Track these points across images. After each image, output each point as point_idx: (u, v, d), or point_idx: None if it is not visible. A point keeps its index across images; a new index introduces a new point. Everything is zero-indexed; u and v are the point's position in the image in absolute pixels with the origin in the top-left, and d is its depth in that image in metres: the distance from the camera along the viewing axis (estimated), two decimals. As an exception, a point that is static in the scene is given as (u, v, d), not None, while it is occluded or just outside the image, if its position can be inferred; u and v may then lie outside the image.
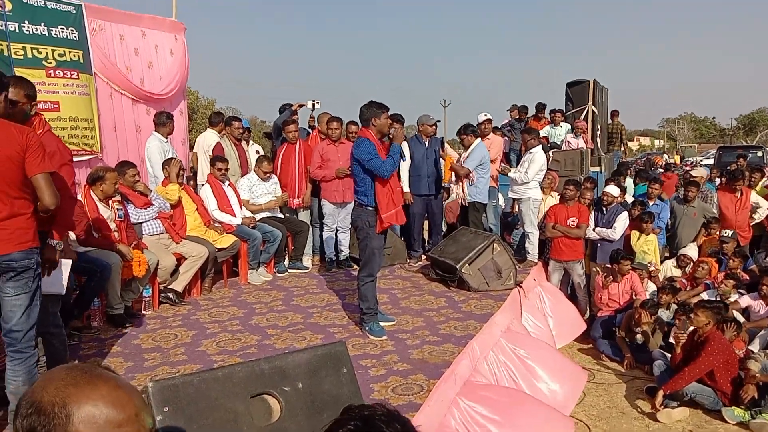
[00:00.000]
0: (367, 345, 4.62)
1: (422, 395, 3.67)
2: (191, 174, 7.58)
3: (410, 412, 3.44)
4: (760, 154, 20.96)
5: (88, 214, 5.00)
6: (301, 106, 7.92)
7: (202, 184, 7.01)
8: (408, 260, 7.52)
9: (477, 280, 6.19)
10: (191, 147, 8.73)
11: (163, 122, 6.68)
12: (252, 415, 2.42)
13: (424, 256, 7.49)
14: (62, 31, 6.65)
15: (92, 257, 4.83)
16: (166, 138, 6.74)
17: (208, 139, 7.50)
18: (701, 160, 31.87)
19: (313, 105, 7.99)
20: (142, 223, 5.65)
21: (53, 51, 6.54)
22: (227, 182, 6.78)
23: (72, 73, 6.69)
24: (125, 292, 5.18)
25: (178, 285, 5.79)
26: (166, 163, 6.18)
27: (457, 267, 6.13)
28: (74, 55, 6.77)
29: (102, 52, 7.17)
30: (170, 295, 5.72)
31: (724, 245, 7.41)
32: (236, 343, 4.72)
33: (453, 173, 7.28)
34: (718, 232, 7.75)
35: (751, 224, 8.17)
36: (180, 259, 5.79)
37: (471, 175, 7.25)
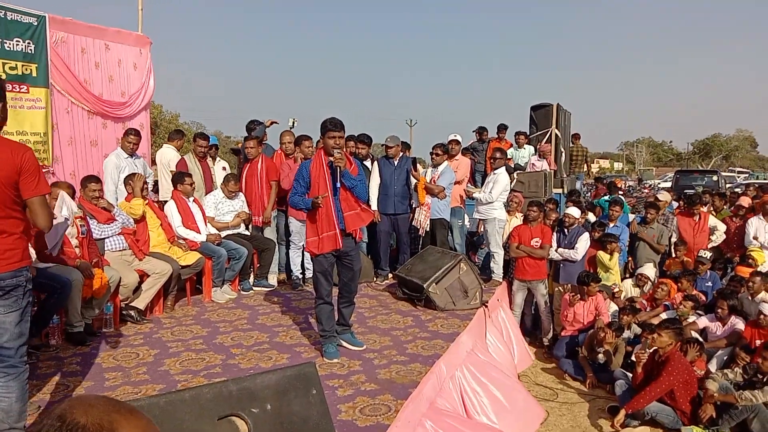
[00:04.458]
0: (334, 365, 4.58)
1: (390, 416, 3.65)
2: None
3: (378, 433, 3.42)
4: (715, 178, 21.65)
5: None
6: (273, 122, 7.90)
7: (165, 201, 6.91)
8: (375, 279, 7.52)
9: (443, 299, 6.22)
10: (152, 162, 8.62)
11: (125, 137, 6.71)
12: (219, 438, 2.38)
13: (390, 275, 7.50)
14: (17, 44, 6.58)
15: (52, 273, 4.70)
16: (128, 154, 6.68)
17: (167, 154, 7.42)
18: (659, 183, 32.79)
19: (293, 123, 7.98)
20: (104, 239, 5.54)
21: (4, 64, 6.48)
22: (192, 198, 6.70)
23: (21, 87, 6.63)
24: (85, 310, 5.05)
25: (140, 302, 5.67)
26: (130, 178, 6.08)
27: (424, 286, 6.16)
28: (26, 69, 6.69)
29: (63, 64, 7.07)
30: (132, 312, 5.60)
31: (701, 266, 7.61)
32: (200, 362, 4.63)
33: (426, 192, 7.34)
34: (683, 254, 7.98)
35: (709, 246, 8.40)
36: (143, 276, 5.68)
37: (443, 193, 7.36)
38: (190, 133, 9.08)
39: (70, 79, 7.20)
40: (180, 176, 6.67)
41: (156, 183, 7.57)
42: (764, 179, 25.66)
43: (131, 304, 5.62)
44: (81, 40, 7.48)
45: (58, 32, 7.08)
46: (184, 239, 6.40)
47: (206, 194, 7.16)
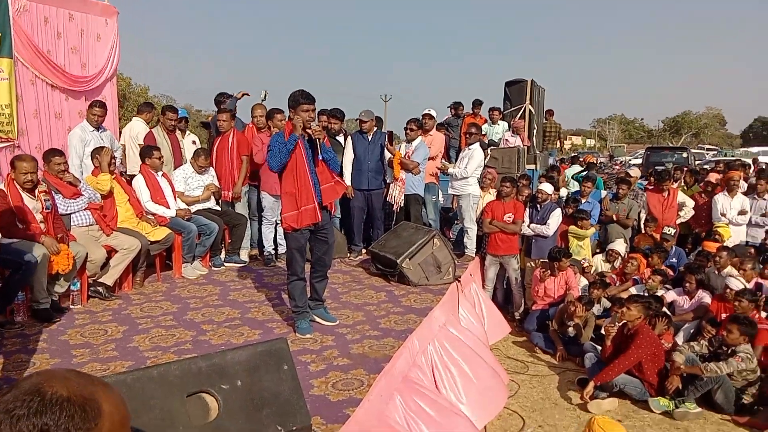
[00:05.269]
0: (307, 340, 4.56)
1: (362, 390, 3.65)
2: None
3: (350, 408, 3.42)
4: (684, 155, 21.98)
5: (11, 203, 4.74)
6: (244, 94, 7.74)
7: (132, 175, 6.76)
8: (348, 254, 7.49)
9: (417, 274, 6.23)
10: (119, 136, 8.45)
11: (90, 109, 6.54)
12: (189, 415, 2.35)
13: (364, 251, 7.47)
14: None
15: (16, 249, 4.58)
16: (94, 127, 6.51)
17: (135, 128, 7.26)
18: (630, 160, 33.19)
19: (265, 95, 7.85)
20: (70, 214, 5.40)
21: None
22: (161, 173, 6.56)
23: None
24: (51, 286, 4.95)
25: (109, 279, 5.56)
26: (97, 152, 5.92)
27: (398, 261, 6.15)
28: None
29: (26, 35, 6.82)
30: (100, 289, 5.49)
31: (665, 243, 7.73)
32: (170, 339, 4.57)
33: (401, 168, 7.31)
34: (652, 231, 8.10)
35: (678, 222, 8.53)
36: (111, 251, 5.57)
37: (417, 168, 7.34)
38: (160, 106, 8.88)
39: (32, 50, 6.95)
40: (148, 150, 6.52)
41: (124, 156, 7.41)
42: (732, 156, 26.14)
43: (99, 281, 5.51)
44: (44, 8, 7.20)
45: (20, 0, 6.82)
46: (153, 214, 6.27)
47: (175, 168, 7.02)
